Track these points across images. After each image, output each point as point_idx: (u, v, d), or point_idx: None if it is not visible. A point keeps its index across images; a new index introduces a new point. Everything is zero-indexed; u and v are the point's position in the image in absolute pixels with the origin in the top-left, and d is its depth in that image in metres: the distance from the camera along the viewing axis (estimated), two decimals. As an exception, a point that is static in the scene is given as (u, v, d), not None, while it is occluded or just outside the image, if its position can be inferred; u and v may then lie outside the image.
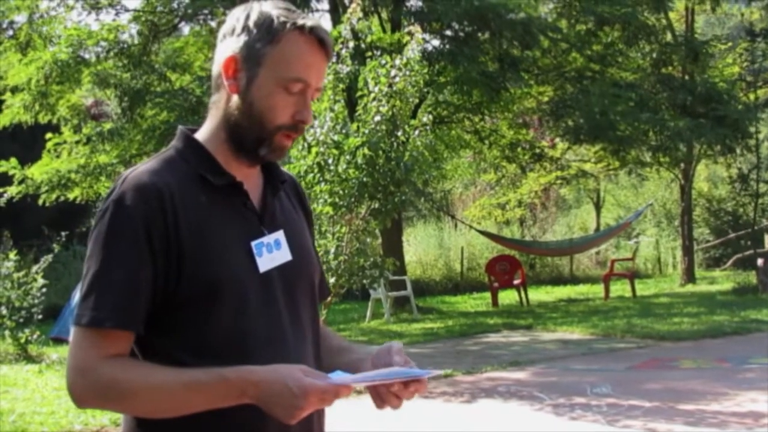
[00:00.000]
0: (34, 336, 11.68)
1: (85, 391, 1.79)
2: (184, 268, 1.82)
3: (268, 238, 1.95)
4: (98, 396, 1.79)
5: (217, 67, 1.97)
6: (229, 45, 1.94)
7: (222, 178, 1.93)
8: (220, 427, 1.84)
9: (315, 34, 1.92)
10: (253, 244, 1.92)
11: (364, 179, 9.42)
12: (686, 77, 20.79)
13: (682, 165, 22.76)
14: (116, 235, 1.82)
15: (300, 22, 1.91)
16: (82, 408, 1.91)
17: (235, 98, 1.92)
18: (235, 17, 1.95)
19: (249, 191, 1.97)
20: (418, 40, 9.93)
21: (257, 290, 1.89)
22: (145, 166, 1.92)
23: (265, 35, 1.91)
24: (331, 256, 9.48)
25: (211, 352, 1.83)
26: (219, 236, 1.88)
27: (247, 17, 1.93)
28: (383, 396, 1.87)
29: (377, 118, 9.45)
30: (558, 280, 25.75)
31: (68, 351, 1.84)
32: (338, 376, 1.82)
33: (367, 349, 2.05)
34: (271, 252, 1.95)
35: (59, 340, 14.67)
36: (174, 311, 1.84)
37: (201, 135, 1.99)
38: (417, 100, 13.47)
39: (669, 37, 21.56)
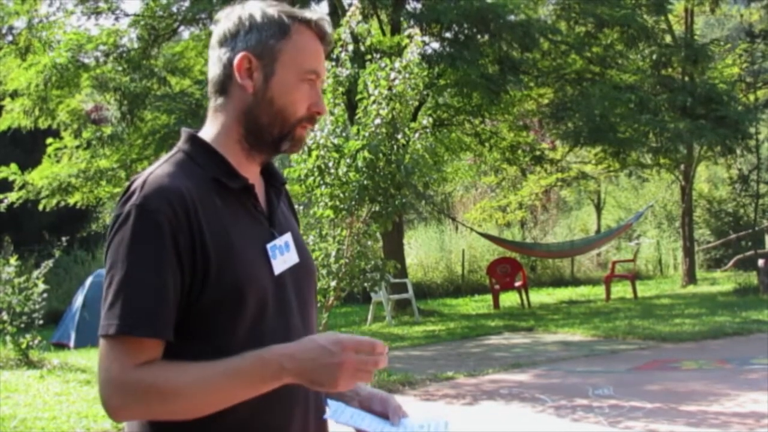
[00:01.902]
0: (35, 341, 11.65)
1: (124, 401, 1.73)
2: (209, 272, 1.80)
3: (279, 241, 1.95)
4: (138, 402, 1.74)
5: (219, 69, 1.95)
6: (236, 45, 1.93)
7: (236, 180, 1.92)
8: (241, 430, 1.84)
9: (320, 28, 1.96)
10: (268, 246, 1.92)
11: (365, 182, 9.41)
12: (686, 79, 20.79)
13: (683, 166, 22.77)
14: (142, 240, 1.77)
15: (307, 15, 1.94)
16: (120, 421, 1.83)
17: (252, 97, 1.92)
18: (236, 17, 1.95)
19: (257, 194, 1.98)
20: (417, 43, 9.93)
21: (273, 293, 1.89)
22: (160, 169, 1.88)
23: (277, 31, 1.92)
24: (332, 260, 9.48)
25: (232, 355, 1.80)
26: (238, 240, 1.87)
27: (251, 16, 1.94)
28: None
29: (377, 121, 9.44)
30: (559, 282, 25.75)
31: (98, 366, 1.78)
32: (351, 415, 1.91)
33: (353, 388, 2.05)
34: (283, 254, 1.95)
35: (60, 346, 14.68)
36: (197, 316, 1.81)
37: (208, 137, 1.97)
38: (417, 103, 13.50)
39: (668, 38, 21.57)
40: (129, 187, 1.86)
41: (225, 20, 1.97)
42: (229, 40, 1.94)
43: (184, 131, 2.00)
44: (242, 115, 1.94)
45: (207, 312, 1.81)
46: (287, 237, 1.98)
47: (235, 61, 1.92)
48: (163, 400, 1.73)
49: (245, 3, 1.97)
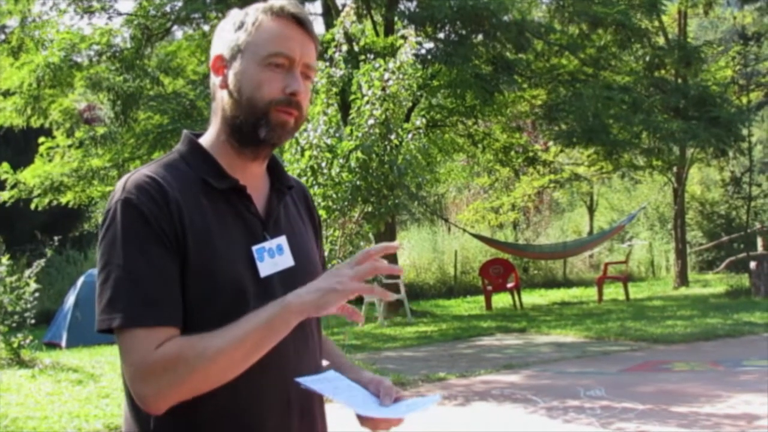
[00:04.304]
0: (27, 341, 11.62)
1: (156, 384, 1.73)
2: (187, 268, 1.81)
3: (270, 243, 1.94)
4: (169, 379, 1.73)
5: (210, 77, 2.02)
6: (215, 50, 2.00)
7: (224, 181, 1.93)
8: (221, 429, 1.85)
9: (287, 12, 1.95)
10: (254, 248, 1.92)
11: (358, 183, 9.41)
12: (679, 80, 20.83)
13: (675, 168, 22.81)
14: (132, 233, 1.79)
15: (269, 4, 1.95)
16: (160, 412, 1.78)
17: (227, 93, 1.95)
18: (217, 27, 2.03)
19: (253, 196, 1.97)
20: (411, 44, 9.93)
21: (257, 295, 1.88)
22: (146, 168, 1.92)
23: (242, 26, 1.95)
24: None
25: None
26: (220, 239, 1.87)
27: (223, 23, 2.01)
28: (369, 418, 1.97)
29: (371, 121, 9.44)
30: (551, 284, 25.78)
31: (121, 367, 1.80)
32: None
33: (356, 375, 2.07)
34: (273, 257, 1.94)
35: (52, 345, 14.64)
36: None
37: (205, 140, 2.01)
38: (410, 104, 13.48)
39: (662, 40, 21.61)
40: (116, 186, 1.89)
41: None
42: (212, 49, 2.01)
43: (184, 133, 2.04)
44: (224, 113, 1.97)
45: (186, 305, 1.82)
46: (281, 240, 1.97)
47: (210, 63, 1.99)
48: (194, 364, 1.73)
49: (228, 12, 2.05)
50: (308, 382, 1.87)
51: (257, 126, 1.92)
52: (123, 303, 1.75)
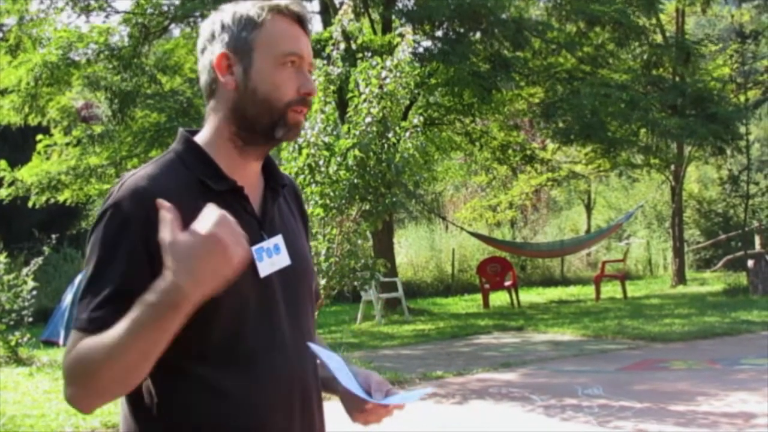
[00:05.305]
0: (25, 339, 11.64)
1: (69, 388, 1.74)
2: None
3: (268, 243, 1.94)
4: (77, 384, 1.73)
5: (206, 74, 1.98)
6: (214, 47, 1.96)
7: (223, 183, 1.92)
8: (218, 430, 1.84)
9: (292, 11, 1.96)
10: (253, 249, 1.90)
11: (355, 181, 9.40)
12: (677, 79, 20.84)
13: (673, 167, 22.81)
14: (112, 239, 1.80)
15: (274, 3, 1.95)
16: (85, 411, 1.79)
17: (236, 92, 1.94)
18: (211, 23, 1.99)
19: (250, 195, 1.96)
20: (408, 42, 9.92)
21: (257, 295, 1.88)
22: (144, 170, 1.90)
23: (248, 25, 1.94)
24: (322, 258, 9.46)
25: (212, 358, 1.82)
26: None
27: (222, 18, 1.97)
28: (360, 410, 2.01)
29: (368, 119, 9.43)
30: (549, 282, 25.77)
31: None
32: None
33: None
34: (271, 257, 1.93)
35: (50, 343, 14.63)
36: None
37: (201, 139, 1.98)
38: (408, 102, 13.48)
39: (659, 38, 21.62)
40: (114, 186, 1.88)
41: (203, 29, 2.01)
42: (208, 46, 1.98)
43: (180, 132, 2.02)
44: (230, 112, 1.95)
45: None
46: (278, 239, 1.97)
47: (215, 62, 1.95)
48: (87, 374, 1.71)
49: (220, 8, 2.01)
50: (318, 351, 1.90)
51: (275, 127, 1.93)
52: (84, 306, 1.77)
